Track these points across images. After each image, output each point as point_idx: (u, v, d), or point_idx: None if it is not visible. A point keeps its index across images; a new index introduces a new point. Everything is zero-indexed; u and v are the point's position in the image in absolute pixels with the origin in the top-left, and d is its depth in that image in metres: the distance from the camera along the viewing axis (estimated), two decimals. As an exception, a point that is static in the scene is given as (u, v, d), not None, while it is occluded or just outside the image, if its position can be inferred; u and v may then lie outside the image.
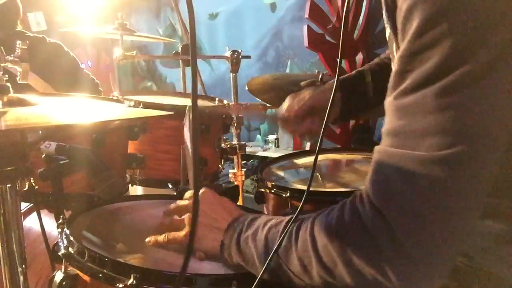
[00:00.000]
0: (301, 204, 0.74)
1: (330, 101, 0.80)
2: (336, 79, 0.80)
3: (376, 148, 0.65)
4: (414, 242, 0.59)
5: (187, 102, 1.67)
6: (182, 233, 0.84)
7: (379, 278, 0.62)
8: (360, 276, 0.63)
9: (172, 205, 0.92)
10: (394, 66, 0.62)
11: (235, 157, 1.77)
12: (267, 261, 0.71)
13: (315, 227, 0.69)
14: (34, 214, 1.12)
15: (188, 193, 0.95)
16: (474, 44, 0.55)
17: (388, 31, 0.72)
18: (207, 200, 0.86)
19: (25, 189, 0.92)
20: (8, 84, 0.77)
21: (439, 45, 0.56)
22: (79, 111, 0.89)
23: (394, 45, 0.69)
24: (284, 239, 0.71)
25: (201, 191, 0.88)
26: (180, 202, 0.91)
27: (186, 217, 0.86)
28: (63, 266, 0.81)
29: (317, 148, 0.80)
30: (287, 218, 0.75)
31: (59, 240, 0.85)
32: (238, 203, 1.70)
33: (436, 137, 0.57)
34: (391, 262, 0.60)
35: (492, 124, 0.57)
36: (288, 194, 1.27)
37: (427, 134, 0.58)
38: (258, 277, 0.72)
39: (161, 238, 0.86)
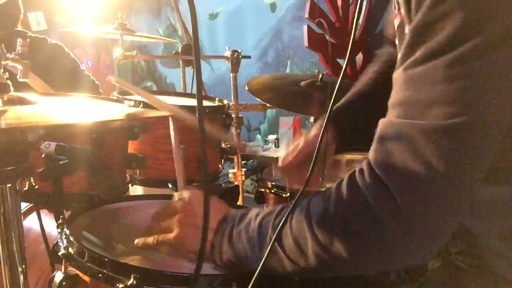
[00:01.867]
0: (298, 194, 0.72)
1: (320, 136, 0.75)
2: (339, 80, 0.78)
3: (381, 120, 0.65)
4: (416, 210, 0.59)
5: (188, 102, 1.67)
6: (171, 235, 0.82)
7: (378, 248, 0.62)
8: (359, 249, 0.63)
9: (161, 209, 0.90)
10: (405, 40, 0.63)
11: (235, 157, 1.77)
12: (269, 247, 0.69)
13: (311, 207, 0.68)
14: (34, 214, 1.12)
15: (177, 195, 0.92)
16: (486, 16, 0.55)
17: (398, 20, 0.73)
18: (196, 200, 0.84)
19: (25, 189, 0.92)
20: (9, 81, 0.77)
21: (451, 17, 0.56)
22: (79, 111, 0.89)
23: (407, 28, 0.69)
24: (280, 226, 0.70)
25: (190, 190, 0.87)
26: (169, 206, 0.89)
27: (176, 218, 0.83)
28: (63, 266, 0.81)
29: (315, 153, 0.78)
30: (279, 207, 0.74)
31: (59, 240, 0.85)
32: (238, 203, 1.71)
33: (442, 106, 0.57)
34: (391, 231, 0.60)
35: (499, 97, 0.57)
36: (288, 194, 1.28)
37: (433, 103, 0.58)
38: (259, 267, 0.70)
39: (150, 239, 0.84)
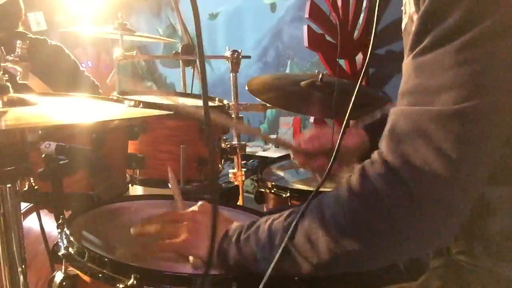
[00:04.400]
0: (307, 201, 0.72)
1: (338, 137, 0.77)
2: (359, 79, 0.78)
3: (391, 110, 0.65)
4: (428, 195, 0.59)
5: (187, 102, 1.67)
6: (178, 240, 0.82)
7: (391, 236, 0.62)
8: (371, 240, 0.63)
9: (165, 215, 0.90)
10: (413, 28, 0.63)
11: (235, 157, 1.77)
12: (283, 244, 0.68)
13: (323, 203, 0.68)
14: (34, 214, 1.12)
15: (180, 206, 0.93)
16: (494, 1, 0.56)
17: (405, 20, 0.73)
18: (205, 212, 0.86)
19: (25, 189, 0.92)
20: (8, 84, 0.77)
21: (459, 3, 0.57)
22: (79, 111, 0.89)
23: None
24: (295, 222, 0.69)
25: (200, 203, 0.89)
26: (169, 212, 0.91)
27: (183, 226, 0.84)
28: (63, 267, 0.81)
29: (331, 160, 0.78)
30: (288, 210, 0.74)
31: (59, 240, 0.85)
32: (238, 203, 1.71)
33: (451, 92, 0.57)
34: (404, 218, 0.60)
35: (508, 80, 0.57)
36: (288, 194, 1.28)
37: (443, 89, 0.58)
38: (270, 268, 0.69)
39: (151, 227, 0.84)
